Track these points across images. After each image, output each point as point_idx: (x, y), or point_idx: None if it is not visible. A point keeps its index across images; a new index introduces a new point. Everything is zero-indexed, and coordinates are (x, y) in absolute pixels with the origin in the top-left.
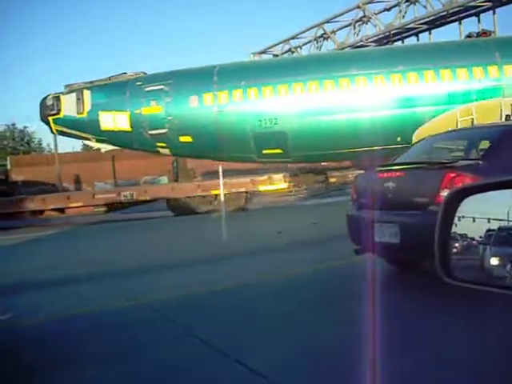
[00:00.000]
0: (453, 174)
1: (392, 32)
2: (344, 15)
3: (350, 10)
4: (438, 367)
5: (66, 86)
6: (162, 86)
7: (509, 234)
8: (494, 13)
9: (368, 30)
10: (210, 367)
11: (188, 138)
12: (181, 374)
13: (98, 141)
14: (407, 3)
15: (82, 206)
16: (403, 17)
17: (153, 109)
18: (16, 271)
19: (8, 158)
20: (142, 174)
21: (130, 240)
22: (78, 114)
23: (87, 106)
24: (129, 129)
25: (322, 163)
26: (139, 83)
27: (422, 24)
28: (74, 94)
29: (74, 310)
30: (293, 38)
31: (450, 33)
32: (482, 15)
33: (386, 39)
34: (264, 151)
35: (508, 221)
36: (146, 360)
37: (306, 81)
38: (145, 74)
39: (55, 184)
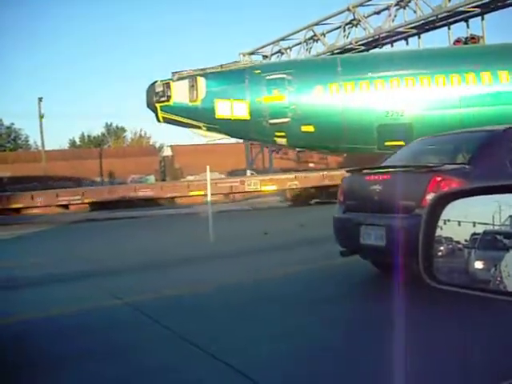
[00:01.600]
0: (439, 178)
1: (381, 35)
2: (334, 18)
3: (340, 13)
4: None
5: (174, 74)
6: (283, 75)
7: (493, 237)
8: (482, 18)
9: (357, 33)
10: (196, 367)
11: (310, 128)
12: (167, 375)
13: (208, 129)
14: (397, 7)
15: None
16: (393, 20)
17: (275, 97)
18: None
19: None
20: (129, 172)
21: (118, 239)
22: (191, 101)
23: (201, 94)
24: (247, 117)
25: None
26: (258, 71)
27: (411, 28)
28: (186, 81)
29: (60, 308)
30: (282, 39)
31: (438, 37)
32: (470, 20)
33: (375, 42)
34: (386, 143)
35: (493, 225)
36: (132, 360)
37: (433, 74)
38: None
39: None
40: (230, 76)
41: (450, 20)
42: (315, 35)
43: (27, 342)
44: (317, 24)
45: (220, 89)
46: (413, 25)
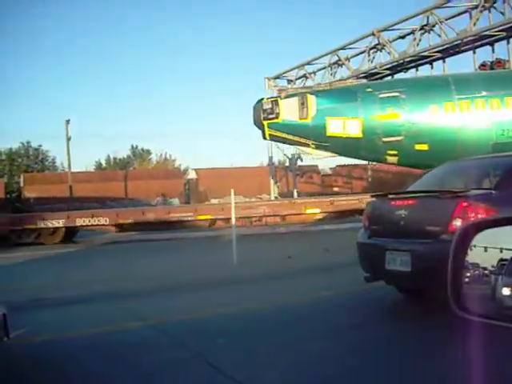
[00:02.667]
0: (465, 204)
1: (406, 60)
2: (358, 42)
3: (365, 37)
4: None
5: (280, 91)
6: (397, 94)
7: None
8: (508, 42)
9: (382, 58)
10: None
11: (424, 146)
12: None
13: (317, 147)
14: (421, 31)
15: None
16: (417, 45)
17: (389, 115)
18: (26, 288)
19: (22, 176)
20: (153, 194)
21: (144, 261)
22: (301, 118)
23: (312, 111)
24: (359, 135)
25: None
26: (369, 89)
27: (436, 52)
28: (295, 99)
29: (86, 329)
30: (307, 63)
31: (464, 61)
32: (496, 44)
33: (400, 67)
34: None
35: None
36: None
37: None
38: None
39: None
40: (342, 94)
41: (475, 44)
42: (340, 60)
43: (47, 362)
44: (341, 49)
45: (331, 106)
46: (437, 49)
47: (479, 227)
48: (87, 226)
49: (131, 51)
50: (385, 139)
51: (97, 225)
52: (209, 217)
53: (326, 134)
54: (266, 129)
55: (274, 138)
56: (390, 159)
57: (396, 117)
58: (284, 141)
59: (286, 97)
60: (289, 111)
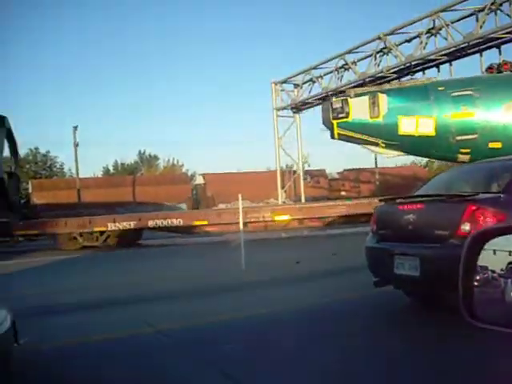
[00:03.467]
0: (474, 207)
1: (413, 63)
2: (365, 46)
3: (371, 41)
4: None
5: (349, 90)
6: (470, 92)
7: None
8: None
9: (389, 61)
10: None
11: (498, 145)
12: None
13: (387, 146)
14: (428, 34)
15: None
16: (424, 48)
17: (463, 114)
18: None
19: (30, 182)
20: (161, 200)
21: (154, 266)
22: (372, 117)
23: (383, 110)
24: (432, 133)
25: None
26: (441, 88)
27: (442, 55)
28: (365, 98)
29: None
30: (314, 68)
31: (470, 64)
32: (502, 47)
33: (406, 70)
34: None
35: None
36: None
37: None
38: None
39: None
40: (413, 93)
41: (481, 47)
42: (346, 64)
43: (54, 368)
44: (348, 53)
45: (403, 105)
46: (444, 52)
47: (490, 234)
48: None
49: (139, 57)
50: (458, 138)
51: (170, 227)
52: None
53: (398, 132)
54: (336, 128)
55: (342, 138)
56: (462, 157)
57: (470, 115)
58: (352, 140)
59: (356, 96)
60: (359, 110)
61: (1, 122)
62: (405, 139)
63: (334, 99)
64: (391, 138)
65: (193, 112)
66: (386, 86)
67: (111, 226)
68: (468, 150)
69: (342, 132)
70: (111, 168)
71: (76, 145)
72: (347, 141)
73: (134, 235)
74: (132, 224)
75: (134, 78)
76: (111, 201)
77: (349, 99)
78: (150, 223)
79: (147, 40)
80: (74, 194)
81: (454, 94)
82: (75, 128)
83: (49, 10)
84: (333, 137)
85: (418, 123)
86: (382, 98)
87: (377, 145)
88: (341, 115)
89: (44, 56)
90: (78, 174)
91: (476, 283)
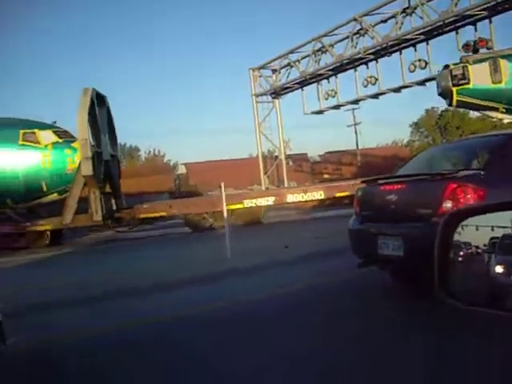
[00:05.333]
0: (454, 185)
1: (390, 43)
2: (341, 28)
3: (347, 23)
4: None
5: (465, 57)
6: None
7: None
8: (490, 21)
9: (366, 42)
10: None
11: None
12: None
13: (508, 111)
14: (403, 14)
15: None
16: (400, 28)
17: None
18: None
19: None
20: (142, 191)
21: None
22: (494, 83)
23: (505, 75)
24: None
25: None
26: None
27: (419, 35)
28: (485, 64)
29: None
30: (291, 52)
31: (447, 42)
32: (478, 24)
33: (383, 51)
34: None
35: None
36: None
37: None
38: None
39: None
40: None
41: (457, 24)
42: (323, 47)
43: (42, 366)
44: (324, 35)
45: None
46: (420, 31)
47: (465, 214)
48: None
49: (118, 43)
50: None
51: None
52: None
53: None
54: (455, 95)
55: (460, 104)
56: None
57: None
58: (471, 106)
59: (475, 62)
60: (480, 76)
61: (102, 101)
62: None
63: (452, 66)
64: None
65: (171, 101)
66: (506, 52)
67: (247, 203)
68: None
69: (461, 99)
70: None
71: None
72: (465, 107)
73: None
74: (271, 200)
75: (109, 67)
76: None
77: (469, 66)
78: (290, 198)
79: (126, 29)
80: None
81: None
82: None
83: None
84: (450, 104)
85: None
86: (504, 64)
87: (497, 110)
88: (462, 82)
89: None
90: None
91: (459, 259)
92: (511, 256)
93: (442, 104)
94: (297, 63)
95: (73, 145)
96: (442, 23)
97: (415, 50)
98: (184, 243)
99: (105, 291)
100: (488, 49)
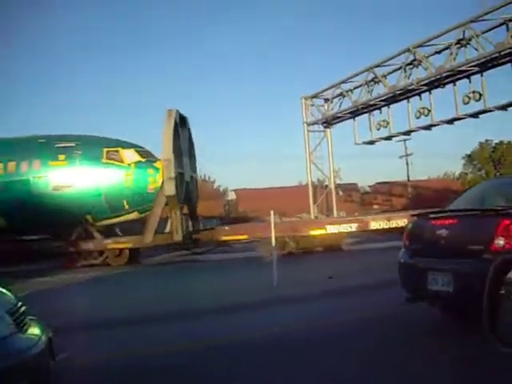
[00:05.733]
0: (508, 221)
1: (443, 75)
2: (394, 59)
3: (401, 54)
4: None
5: None
6: None
7: None
8: None
9: (419, 73)
10: None
11: None
12: None
13: None
14: (458, 45)
15: None
16: (454, 59)
17: None
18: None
19: None
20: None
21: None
22: None
23: None
24: None
25: None
26: None
27: (473, 66)
28: None
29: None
30: (343, 82)
31: (502, 75)
32: None
33: (437, 82)
34: None
35: None
36: None
37: None
38: None
39: None
40: None
41: None
42: (376, 77)
43: None
44: (377, 66)
45: None
46: (475, 63)
47: None
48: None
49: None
50: None
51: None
52: None
53: None
54: None
55: None
56: None
57: None
58: None
59: None
60: None
61: (184, 122)
62: None
63: None
64: None
65: (222, 129)
66: None
67: (330, 229)
68: None
69: None
70: None
71: None
72: None
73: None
74: (353, 227)
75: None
76: None
77: None
78: (373, 225)
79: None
80: None
81: None
82: None
83: None
84: None
85: None
86: None
87: None
88: None
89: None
90: None
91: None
92: None
93: (496, 137)
94: (349, 93)
95: (155, 164)
96: (497, 55)
97: (469, 82)
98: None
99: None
100: None
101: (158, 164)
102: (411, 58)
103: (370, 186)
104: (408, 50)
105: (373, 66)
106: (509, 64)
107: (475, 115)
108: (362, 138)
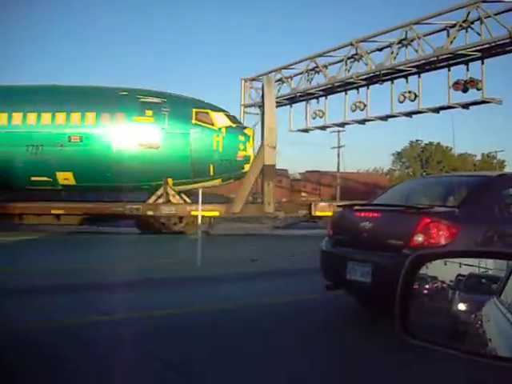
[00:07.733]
0: (428, 220)
1: (382, 72)
2: (337, 51)
3: (343, 47)
4: None
5: None
6: None
7: (478, 281)
8: (482, 63)
9: (359, 68)
10: None
11: None
12: None
13: None
14: (399, 45)
15: None
16: (394, 58)
17: None
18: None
19: None
20: None
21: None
22: None
23: None
24: None
25: None
26: None
27: (412, 67)
28: None
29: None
30: (285, 67)
31: (438, 78)
32: (471, 64)
33: (375, 78)
34: None
35: (479, 267)
36: None
37: None
38: None
39: None
40: None
41: (450, 62)
42: (317, 66)
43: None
44: (320, 56)
45: None
46: (413, 64)
47: (429, 258)
48: None
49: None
50: None
51: None
52: None
53: None
54: None
55: None
56: None
57: None
58: None
59: None
60: None
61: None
62: None
63: None
64: None
65: None
66: None
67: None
68: None
69: None
70: None
71: None
72: None
73: None
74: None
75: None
76: None
77: None
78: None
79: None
80: None
81: None
82: None
83: None
84: None
85: None
86: None
87: None
88: None
89: None
90: None
91: (425, 291)
92: (475, 295)
93: (426, 137)
94: (289, 79)
95: (245, 131)
96: (435, 59)
97: (407, 82)
98: None
99: None
100: (478, 89)
101: (248, 131)
102: (353, 51)
103: (300, 174)
104: (351, 44)
105: (315, 55)
106: (446, 68)
107: (409, 114)
108: (297, 125)
